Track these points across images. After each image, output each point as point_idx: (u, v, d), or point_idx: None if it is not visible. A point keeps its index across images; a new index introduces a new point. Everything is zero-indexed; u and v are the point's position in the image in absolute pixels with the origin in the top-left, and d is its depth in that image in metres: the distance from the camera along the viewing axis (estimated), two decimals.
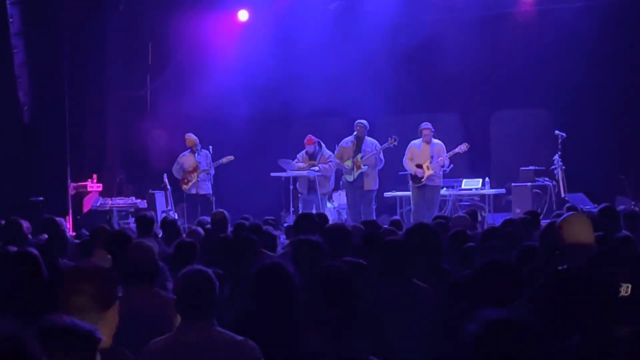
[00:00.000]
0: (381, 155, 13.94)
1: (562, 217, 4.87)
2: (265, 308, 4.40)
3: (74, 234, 12.09)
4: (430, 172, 13.72)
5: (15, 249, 5.84)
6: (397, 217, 12.52)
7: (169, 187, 15.64)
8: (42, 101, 14.82)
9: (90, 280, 3.43)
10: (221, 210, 10.01)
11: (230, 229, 9.30)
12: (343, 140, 14.24)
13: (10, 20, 13.87)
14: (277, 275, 4.45)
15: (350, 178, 14.01)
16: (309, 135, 14.68)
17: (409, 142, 14.12)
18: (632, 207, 12.93)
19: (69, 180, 15.08)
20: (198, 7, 17.06)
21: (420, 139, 13.96)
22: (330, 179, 14.65)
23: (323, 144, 14.65)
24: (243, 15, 17.64)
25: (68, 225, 13.38)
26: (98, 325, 3.18)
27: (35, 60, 14.63)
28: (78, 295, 3.37)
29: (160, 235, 9.57)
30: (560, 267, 4.54)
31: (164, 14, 17.15)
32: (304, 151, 14.71)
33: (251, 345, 4.02)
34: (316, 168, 14.38)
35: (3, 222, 9.14)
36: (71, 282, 3.47)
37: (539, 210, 13.93)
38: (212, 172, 14.88)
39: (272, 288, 4.40)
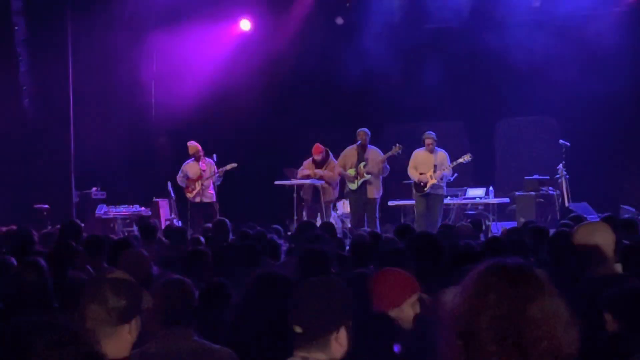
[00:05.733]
0: (386, 163, 13.91)
1: (581, 223, 4.85)
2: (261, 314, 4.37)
3: None
4: (434, 181, 13.71)
5: (13, 259, 5.84)
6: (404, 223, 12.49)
7: (173, 195, 15.63)
8: (47, 109, 14.86)
9: (112, 292, 3.38)
10: (222, 218, 10.02)
11: (232, 236, 9.30)
12: (346, 149, 14.23)
13: (16, 28, 13.93)
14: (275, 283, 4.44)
15: (353, 186, 13.99)
16: (317, 143, 14.63)
17: (413, 150, 14.12)
18: (637, 216, 12.92)
19: (73, 188, 15.10)
20: (203, 16, 17.10)
21: (424, 148, 13.95)
22: (334, 187, 14.63)
23: (330, 153, 14.62)
24: (245, 24, 17.67)
25: None
26: (110, 339, 3.17)
27: (40, 68, 14.68)
28: (95, 305, 3.34)
29: (167, 243, 9.56)
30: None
31: (170, 22, 17.19)
32: (311, 158, 14.68)
33: (229, 354, 4.01)
34: (321, 173, 14.36)
35: (14, 228, 9.16)
36: (91, 290, 3.43)
37: (543, 219, 13.91)
38: (219, 181, 14.83)
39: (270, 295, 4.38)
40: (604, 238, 4.60)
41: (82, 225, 9.32)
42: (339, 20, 17.10)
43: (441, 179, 13.75)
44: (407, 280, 4.31)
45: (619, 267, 4.71)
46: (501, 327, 2.09)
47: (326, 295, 3.08)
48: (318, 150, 14.48)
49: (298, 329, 3.01)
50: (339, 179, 14.48)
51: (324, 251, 5.66)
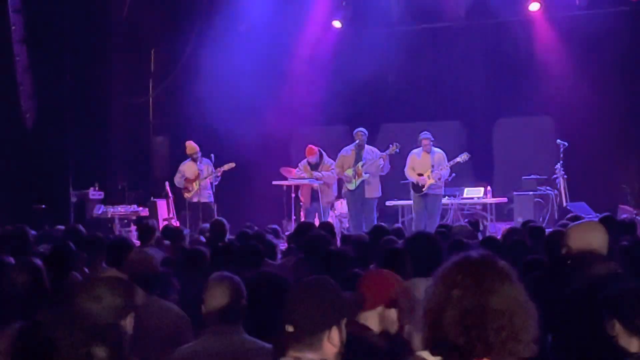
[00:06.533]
0: (387, 162, 13.87)
1: (572, 224, 4.84)
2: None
3: None
4: (432, 181, 13.71)
5: (12, 260, 5.83)
6: (399, 225, 12.50)
7: (170, 195, 15.63)
8: (45, 108, 14.83)
9: (106, 289, 3.42)
10: (219, 218, 10.01)
11: (229, 236, 9.29)
12: (343, 149, 14.22)
13: (13, 27, 13.89)
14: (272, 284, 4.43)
15: (351, 186, 13.98)
16: (309, 145, 14.63)
17: (410, 150, 14.11)
18: (634, 216, 12.91)
19: (71, 188, 15.07)
20: (201, 15, 17.10)
21: (421, 148, 13.96)
22: (332, 187, 14.62)
23: (324, 153, 14.62)
24: (243, 26, 17.66)
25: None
26: None
27: (38, 67, 14.64)
28: (91, 304, 3.36)
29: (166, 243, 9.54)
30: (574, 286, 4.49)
31: (167, 21, 17.18)
32: (305, 160, 14.68)
33: None
34: (319, 175, 14.36)
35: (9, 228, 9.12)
36: (85, 290, 3.46)
37: (541, 219, 13.91)
38: (216, 181, 14.83)
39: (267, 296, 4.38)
40: (596, 238, 4.61)
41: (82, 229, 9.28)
42: (337, 24, 17.12)
43: (439, 178, 13.75)
44: (383, 284, 4.24)
45: (612, 266, 4.71)
46: (466, 320, 2.28)
47: (318, 295, 3.07)
48: (312, 152, 14.48)
49: (290, 329, 3.00)
50: (337, 178, 14.49)
51: (344, 252, 5.69)
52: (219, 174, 14.68)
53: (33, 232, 8.89)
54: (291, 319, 3.03)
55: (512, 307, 2.30)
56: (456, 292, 2.31)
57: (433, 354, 2.35)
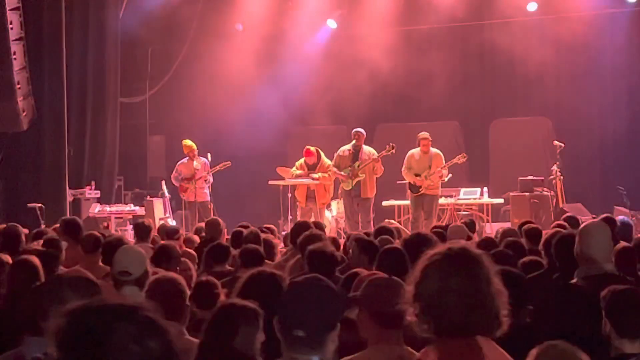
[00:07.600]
0: (379, 164, 13.87)
1: (581, 226, 4.89)
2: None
3: None
4: (429, 182, 13.70)
5: (7, 256, 5.82)
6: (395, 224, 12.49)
7: (167, 194, 15.61)
8: (41, 107, 14.81)
9: (71, 291, 3.37)
10: (215, 217, 10.00)
11: (227, 236, 9.29)
12: (340, 149, 14.21)
13: (10, 26, 13.86)
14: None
15: (347, 186, 13.98)
16: (307, 147, 14.60)
17: (408, 150, 14.10)
18: (631, 217, 12.93)
19: (67, 187, 15.06)
20: (199, 14, 17.10)
21: (418, 148, 13.94)
22: (329, 188, 14.61)
23: (322, 153, 14.60)
24: (239, 26, 17.69)
25: None
26: None
27: (35, 66, 14.62)
28: (55, 305, 3.32)
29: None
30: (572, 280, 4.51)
31: (164, 21, 17.17)
32: (302, 159, 14.68)
33: None
34: (316, 175, 14.35)
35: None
36: (51, 291, 3.42)
37: (537, 220, 13.90)
38: (211, 179, 14.85)
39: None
40: (597, 239, 4.62)
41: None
42: (333, 24, 17.16)
43: (439, 177, 13.76)
44: None
45: (611, 267, 4.73)
46: (467, 304, 2.62)
47: (322, 297, 3.01)
48: (309, 154, 14.47)
49: (300, 333, 2.94)
50: (333, 179, 14.48)
51: (330, 252, 5.67)
52: (212, 172, 14.72)
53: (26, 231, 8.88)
54: (300, 322, 2.95)
55: (495, 288, 2.68)
56: (454, 281, 2.63)
57: (438, 336, 2.67)
